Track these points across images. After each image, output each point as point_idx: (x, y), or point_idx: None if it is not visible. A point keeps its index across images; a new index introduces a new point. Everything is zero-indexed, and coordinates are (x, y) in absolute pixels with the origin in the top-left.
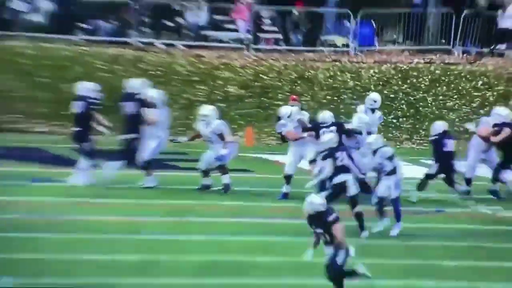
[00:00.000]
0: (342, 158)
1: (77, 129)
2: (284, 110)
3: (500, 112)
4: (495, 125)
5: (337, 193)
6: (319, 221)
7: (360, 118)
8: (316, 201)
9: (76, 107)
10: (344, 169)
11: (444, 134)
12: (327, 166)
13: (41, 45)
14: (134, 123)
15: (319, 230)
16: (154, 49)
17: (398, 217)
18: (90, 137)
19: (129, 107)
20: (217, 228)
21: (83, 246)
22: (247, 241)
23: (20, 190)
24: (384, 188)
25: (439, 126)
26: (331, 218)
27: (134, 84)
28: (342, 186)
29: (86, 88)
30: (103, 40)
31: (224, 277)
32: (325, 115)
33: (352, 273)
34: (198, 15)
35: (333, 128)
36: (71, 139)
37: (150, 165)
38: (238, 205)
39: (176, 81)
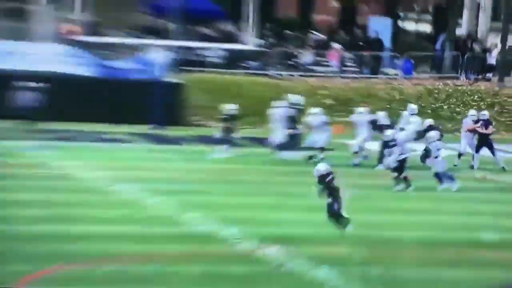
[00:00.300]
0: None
1: (226, 126)
2: (358, 109)
3: (484, 113)
4: (478, 121)
5: (401, 165)
6: (323, 180)
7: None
8: (321, 168)
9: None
10: (402, 151)
11: (430, 127)
12: (396, 150)
13: (217, 76)
14: (293, 123)
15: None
16: (283, 78)
17: (451, 179)
18: (234, 131)
19: (290, 112)
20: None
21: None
22: None
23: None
24: (440, 165)
25: (426, 122)
26: (327, 179)
27: (294, 98)
28: (403, 161)
29: (230, 108)
30: (253, 72)
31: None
32: (381, 115)
33: (341, 217)
34: (308, 57)
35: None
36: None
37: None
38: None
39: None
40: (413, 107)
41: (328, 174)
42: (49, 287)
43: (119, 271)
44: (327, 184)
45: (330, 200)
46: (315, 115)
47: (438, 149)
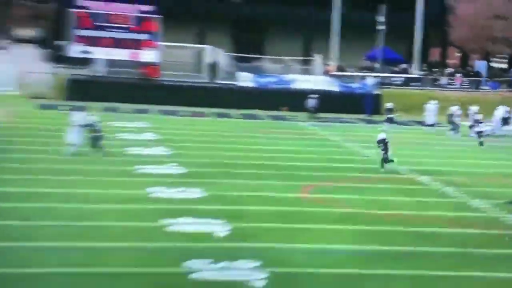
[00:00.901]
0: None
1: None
2: (470, 107)
3: None
4: None
5: (480, 133)
6: (381, 142)
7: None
8: (381, 135)
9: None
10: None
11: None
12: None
13: (398, 90)
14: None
15: (382, 145)
16: (432, 91)
17: None
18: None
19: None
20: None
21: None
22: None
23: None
24: None
25: (506, 111)
26: (385, 141)
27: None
28: (481, 131)
29: (389, 104)
30: (417, 88)
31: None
32: (475, 109)
33: (389, 160)
34: (444, 80)
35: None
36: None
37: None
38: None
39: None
40: (500, 106)
41: (384, 139)
42: (315, 193)
43: (346, 186)
44: (383, 145)
45: (384, 153)
46: (455, 109)
47: None
